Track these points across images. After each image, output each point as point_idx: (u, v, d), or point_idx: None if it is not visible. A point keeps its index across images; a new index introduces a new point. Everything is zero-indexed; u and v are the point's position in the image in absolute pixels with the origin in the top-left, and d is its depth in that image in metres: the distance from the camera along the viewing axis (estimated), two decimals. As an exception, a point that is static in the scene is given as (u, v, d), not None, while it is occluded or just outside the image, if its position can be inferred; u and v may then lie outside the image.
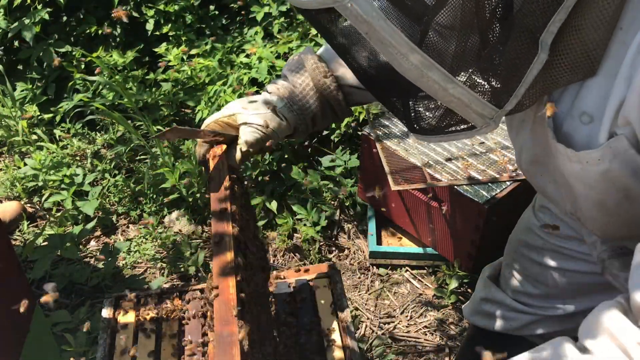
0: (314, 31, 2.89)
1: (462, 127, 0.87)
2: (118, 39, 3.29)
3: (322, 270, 1.76)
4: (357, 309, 2.43)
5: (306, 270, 1.74)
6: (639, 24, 0.78)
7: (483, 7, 0.76)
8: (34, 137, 3.14)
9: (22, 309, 1.46)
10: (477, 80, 0.82)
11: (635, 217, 0.96)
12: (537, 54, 0.79)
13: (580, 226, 1.28)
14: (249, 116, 1.25)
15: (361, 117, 2.69)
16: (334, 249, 2.68)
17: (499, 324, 1.69)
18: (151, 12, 3.23)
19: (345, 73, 1.26)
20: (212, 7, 3.40)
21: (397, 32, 0.75)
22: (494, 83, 0.82)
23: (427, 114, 0.87)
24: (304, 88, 1.26)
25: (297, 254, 2.65)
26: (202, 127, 1.29)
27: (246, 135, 1.25)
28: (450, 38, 0.80)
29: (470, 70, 0.81)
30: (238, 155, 1.27)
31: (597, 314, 0.82)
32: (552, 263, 1.47)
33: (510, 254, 1.65)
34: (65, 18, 3.25)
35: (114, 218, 2.82)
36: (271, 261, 2.62)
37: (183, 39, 3.23)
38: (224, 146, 1.31)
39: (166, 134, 1.22)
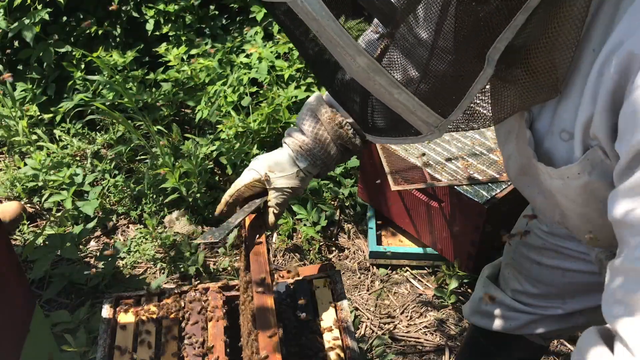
0: (314, 31, 2.89)
1: (408, 132, 0.88)
2: (118, 39, 3.29)
3: (320, 270, 1.76)
4: (357, 309, 2.43)
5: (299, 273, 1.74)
6: (604, 43, 0.78)
7: (434, 18, 0.78)
8: (34, 137, 3.14)
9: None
10: (424, 88, 0.83)
11: None
12: (484, 68, 0.81)
13: None
14: (276, 180, 1.35)
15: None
16: (334, 249, 2.68)
17: (498, 323, 1.69)
18: (151, 12, 3.23)
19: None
20: (212, 7, 3.40)
21: (344, 33, 0.76)
22: (439, 92, 0.84)
23: (377, 115, 0.88)
24: (323, 142, 1.33)
25: (297, 254, 2.65)
26: (234, 190, 1.39)
27: (277, 199, 1.37)
28: (399, 44, 0.82)
29: (417, 77, 0.83)
30: (272, 219, 1.40)
31: (581, 347, 0.84)
32: (551, 262, 1.48)
33: (510, 253, 1.65)
34: (65, 18, 3.25)
35: (114, 218, 2.82)
36: (271, 261, 2.62)
37: (183, 39, 3.23)
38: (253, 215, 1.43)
39: (208, 238, 1.34)
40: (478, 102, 0.87)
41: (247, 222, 1.44)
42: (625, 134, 0.75)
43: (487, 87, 0.87)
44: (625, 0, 0.76)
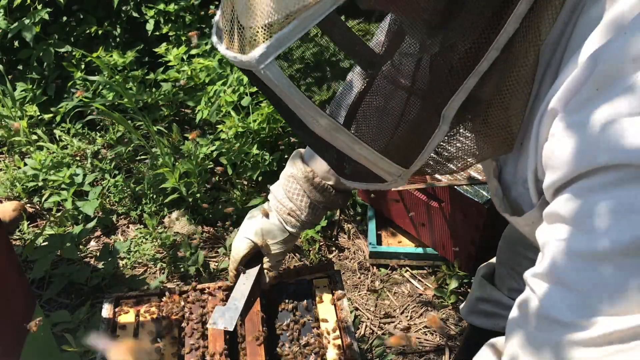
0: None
1: (375, 180, 0.95)
2: (118, 39, 3.29)
3: (320, 270, 1.76)
4: (357, 309, 2.43)
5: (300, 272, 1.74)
6: (544, 99, 0.84)
7: (391, 78, 0.85)
8: (34, 137, 3.14)
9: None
10: (384, 142, 0.90)
11: None
12: (439, 125, 0.87)
13: None
14: (271, 247, 1.51)
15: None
16: (334, 249, 2.68)
17: (495, 322, 1.69)
18: (151, 12, 3.23)
19: (329, 175, 1.43)
20: (212, 7, 3.40)
21: (304, 99, 0.81)
22: (399, 146, 0.90)
23: (347, 165, 0.95)
24: (309, 207, 1.46)
25: (297, 254, 2.65)
26: (236, 263, 1.55)
27: (271, 263, 1.54)
28: (358, 104, 0.88)
29: (378, 133, 0.90)
30: (269, 280, 1.58)
31: None
32: None
33: (505, 252, 1.65)
34: (65, 18, 3.25)
35: (114, 218, 2.82)
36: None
37: (183, 39, 3.23)
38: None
39: (220, 325, 1.49)
40: (439, 151, 0.94)
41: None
42: (545, 173, 0.84)
43: (446, 139, 0.93)
44: (557, 63, 0.83)
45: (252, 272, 1.57)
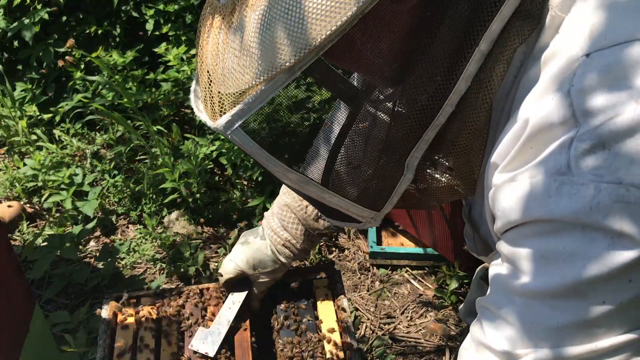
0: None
1: (351, 220, 1.01)
2: (118, 39, 3.29)
3: (320, 270, 1.75)
4: (357, 309, 2.43)
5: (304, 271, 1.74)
6: (493, 140, 0.92)
7: (355, 133, 0.94)
8: (34, 137, 3.14)
9: None
10: (353, 190, 0.98)
11: None
12: (404, 173, 0.95)
13: None
14: (261, 277, 1.55)
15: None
16: (334, 249, 2.68)
17: None
18: (151, 12, 3.23)
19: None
20: (212, 7, 3.40)
21: (271, 158, 0.89)
22: (368, 193, 0.98)
23: (325, 208, 1.02)
24: (305, 237, 1.50)
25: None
26: (222, 284, 1.58)
27: (260, 287, 1.58)
28: (324, 158, 0.97)
29: (347, 181, 0.97)
30: (257, 304, 1.63)
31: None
32: None
33: None
34: (64, 18, 3.25)
35: (114, 218, 2.82)
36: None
37: (183, 38, 3.22)
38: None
39: (201, 349, 1.49)
40: (409, 195, 1.01)
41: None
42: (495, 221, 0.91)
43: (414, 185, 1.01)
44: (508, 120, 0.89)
45: (239, 298, 1.57)
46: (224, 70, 0.85)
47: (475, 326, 0.95)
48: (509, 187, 0.84)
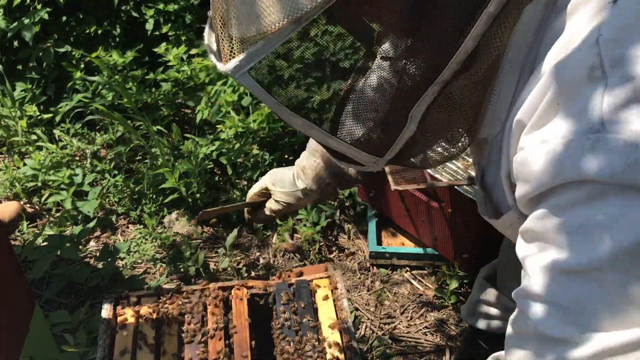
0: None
1: (356, 163, 1.04)
2: (118, 39, 3.29)
3: (320, 270, 1.75)
4: (357, 309, 2.43)
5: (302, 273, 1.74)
6: (512, 108, 0.92)
7: (363, 82, 0.95)
8: (34, 137, 3.14)
9: None
10: (357, 137, 1.00)
11: None
12: (407, 124, 0.95)
13: None
14: (276, 192, 1.62)
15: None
16: (334, 249, 2.68)
17: (495, 324, 1.69)
18: (151, 12, 3.23)
19: None
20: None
21: (277, 103, 0.91)
22: (371, 141, 1.00)
23: (332, 152, 1.05)
24: (319, 171, 1.55)
25: (297, 254, 2.65)
26: (248, 197, 1.68)
27: (272, 205, 1.63)
28: (330, 105, 0.98)
29: (352, 128, 0.99)
30: (262, 215, 1.68)
31: None
32: None
33: (506, 253, 1.65)
34: (64, 18, 3.25)
35: (114, 218, 2.82)
36: (271, 261, 2.62)
37: (183, 38, 3.22)
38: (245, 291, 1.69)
39: (202, 215, 1.64)
40: (412, 144, 1.01)
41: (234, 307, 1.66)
42: (516, 183, 0.89)
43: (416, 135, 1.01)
44: (531, 72, 0.89)
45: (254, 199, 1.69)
46: (237, 13, 0.86)
47: (518, 322, 0.91)
48: (539, 149, 0.80)
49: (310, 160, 1.57)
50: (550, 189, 0.80)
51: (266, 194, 1.64)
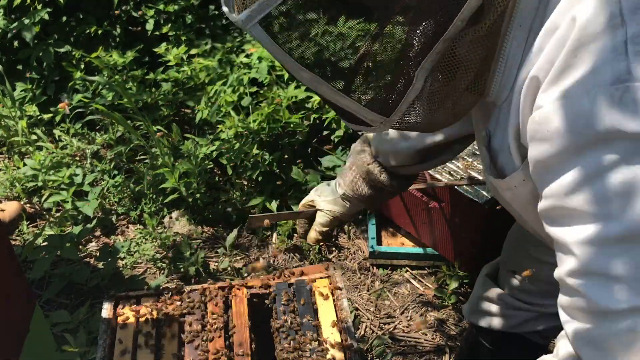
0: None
1: (363, 123, 1.02)
2: (118, 39, 3.29)
3: (320, 270, 1.75)
4: (357, 309, 2.43)
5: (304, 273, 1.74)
6: (524, 65, 0.91)
7: (370, 40, 0.94)
8: (34, 137, 3.14)
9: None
10: (363, 94, 0.99)
11: None
12: (413, 83, 0.94)
13: None
14: (320, 203, 1.65)
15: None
16: (334, 249, 2.68)
17: (497, 322, 1.69)
18: (151, 12, 3.23)
19: (388, 157, 1.52)
20: (212, 7, 3.40)
21: (285, 55, 0.91)
22: (377, 99, 0.99)
23: (340, 111, 1.03)
24: (354, 179, 1.58)
25: (297, 254, 2.65)
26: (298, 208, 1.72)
27: (319, 219, 1.66)
28: (338, 61, 0.98)
29: (359, 85, 0.98)
30: (312, 234, 1.68)
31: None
32: (550, 259, 1.48)
33: (509, 250, 1.66)
34: (65, 18, 3.25)
35: (114, 218, 2.82)
36: (271, 261, 2.62)
37: (183, 39, 3.23)
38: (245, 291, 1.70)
39: (251, 223, 1.68)
40: (418, 105, 1.00)
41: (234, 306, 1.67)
42: (530, 146, 0.87)
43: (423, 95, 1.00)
44: (544, 32, 0.87)
45: (306, 213, 1.72)
46: None
47: (574, 300, 0.86)
48: (561, 104, 0.77)
49: (348, 172, 1.60)
50: (575, 151, 0.76)
51: (312, 206, 1.68)
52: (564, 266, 0.87)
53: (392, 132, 1.50)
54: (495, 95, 1.00)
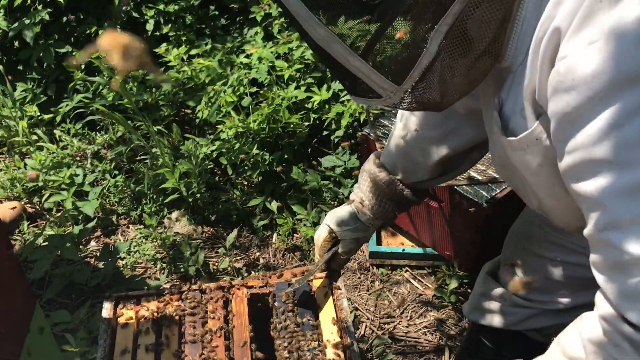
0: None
1: (373, 94, 1.01)
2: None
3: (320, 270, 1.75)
4: (357, 309, 2.43)
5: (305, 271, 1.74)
6: (537, 16, 0.89)
7: (388, 4, 0.92)
8: (34, 137, 3.14)
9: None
10: (376, 58, 0.97)
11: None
12: (427, 47, 0.93)
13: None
14: (342, 233, 1.63)
15: (361, 118, 2.69)
16: (334, 249, 2.68)
17: (497, 319, 1.70)
18: (151, 12, 3.24)
19: (407, 173, 1.54)
20: (212, 8, 3.40)
21: (303, 8, 0.90)
22: (390, 63, 0.97)
23: (350, 80, 1.02)
24: (379, 200, 1.57)
25: (297, 254, 2.65)
26: (318, 247, 1.68)
27: (343, 248, 1.65)
28: (353, 20, 0.96)
29: (373, 49, 0.96)
30: (339, 260, 1.68)
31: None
32: (552, 255, 1.49)
33: (510, 247, 1.66)
34: (65, 18, 3.25)
35: (114, 218, 2.83)
36: (271, 261, 2.63)
37: (183, 39, 3.23)
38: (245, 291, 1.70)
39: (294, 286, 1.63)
40: (430, 75, 0.98)
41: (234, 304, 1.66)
42: (552, 100, 0.85)
43: (436, 64, 0.98)
44: None
45: (326, 256, 1.70)
46: None
47: (609, 255, 0.86)
48: (588, 50, 0.76)
49: (366, 193, 1.59)
50: (602, 98, 0.75)
51: (333, 237, 1.66)
52: (595, 222, 0.85)
53: (410, 147, 1.49)
54: (510, 59, 0.99)
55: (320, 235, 1.68)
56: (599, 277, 0.91)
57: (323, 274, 1.71)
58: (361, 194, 1.60)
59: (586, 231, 0.90)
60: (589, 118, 0.79)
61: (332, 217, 1.65)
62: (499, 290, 1.68)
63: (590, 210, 0.87)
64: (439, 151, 1.46)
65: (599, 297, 0.94)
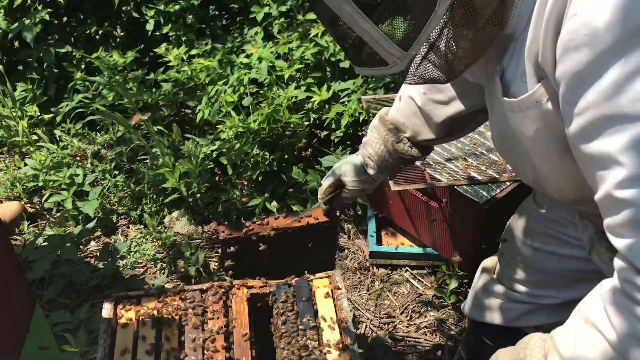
0: (313, 32, 2.89)
1: (379, 62, 1.00)
2: (118, 40, 3.29)
3: (320, 215, 1.80)
4: (357, 309, 2.43)
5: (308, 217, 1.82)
6: None
7: None
8: (34, 137, 3.14)
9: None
10: (385, 20, 0.96)
11: (579, 175, 1.02)
12: (435, 10, 0.92)
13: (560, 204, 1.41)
14: (349, 182, 1.68)
15: (361, 118, 2.69)
16: (334, 249, 2.68)
17: (496, 315, 1.70)
18: (151, 13, 3.24)
19: (414, 132, 1.56)
20: (212, 8, 3.40)
21: None
22: (398, 26, 0.96)
23: (357, 48, 1.01)
24: (384, 156, 1.61)
25: (297, 254, 2.65)
26: (323, 192, 1.73)
27: (347, 193, 1.71)
28: None
29: (382, 12, 0.95)
30: (338, 203, 1.74)
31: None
32: (547, 248, 1.50)
33: (507, 241, 1.66)
34: (65, 18, 3.26)
35: (114, 218, 2.83)
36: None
37: (183, 39, 3.23)
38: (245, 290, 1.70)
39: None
40: (437, 44, 0.99)
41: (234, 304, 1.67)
42: (562, 62, 0.85)
43: (444, 33, 0.99)
44: None
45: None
46: None
47: (632, 210, 0.84)
48: (601, 5, 0.76)
49: (375, 148, 1.62)
50: (614, 51, 0.74)
51: (338, 185, 1.71)
52: (610, 180, 0.84)
53: (418, 108, 1.51)
54: (513, 26, 1.00)
55: (327, 181, 1.74)
56: (616, 240, 0.90)
57: (323, 273, 1.71)
58: (371, 149, 1.63)
59: (598, 195, 0.89)
60: (601, 73, 0.79)
61: (341, 167, 1.70)
62: (496, 286, 1.69)
63: (603, 169, 0.86)
64: (446, 112, 1.48)
65: (617, 261, 0.93)
